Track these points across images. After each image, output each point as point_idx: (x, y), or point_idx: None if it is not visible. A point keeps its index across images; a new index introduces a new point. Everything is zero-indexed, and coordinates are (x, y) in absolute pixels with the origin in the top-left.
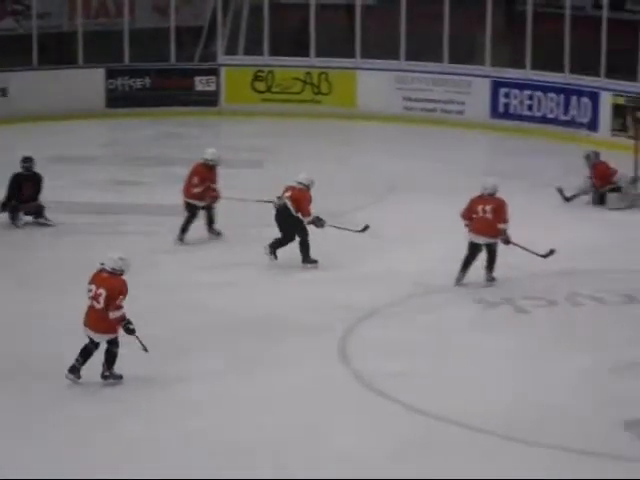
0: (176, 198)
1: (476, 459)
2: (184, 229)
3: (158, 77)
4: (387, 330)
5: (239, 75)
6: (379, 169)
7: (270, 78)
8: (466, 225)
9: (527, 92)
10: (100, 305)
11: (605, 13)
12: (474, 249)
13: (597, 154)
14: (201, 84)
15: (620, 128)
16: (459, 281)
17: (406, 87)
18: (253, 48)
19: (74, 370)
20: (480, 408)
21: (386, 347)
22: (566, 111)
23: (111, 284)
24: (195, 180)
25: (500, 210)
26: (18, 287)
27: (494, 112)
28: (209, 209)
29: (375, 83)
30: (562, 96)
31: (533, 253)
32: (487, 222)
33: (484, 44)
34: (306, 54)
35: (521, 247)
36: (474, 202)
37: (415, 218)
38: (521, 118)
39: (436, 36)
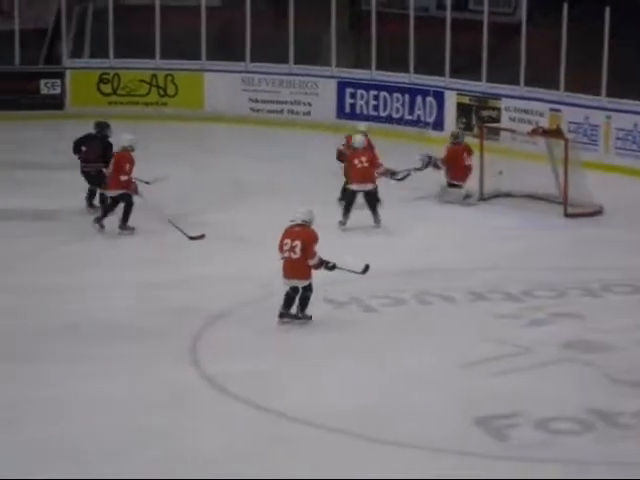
0: (18, 202)
1: (327, 458)
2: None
3: (2, 80)
4: (237, 332)
5: (85, 78)
6: (227, 171)
7: (116, 80)
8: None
9: (373, 92)
10: (297, 255)
11: (449, 13)
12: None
13: (463, 135)
14: (46, 87)
15: (465, 127)
16: None
17: (252, 89)
18: (98, 51)
19: (283, 315)
20: (330, 407)
21: (236, 349)
22: (411, 111)
23: (305, 235)
24: (126, 167)
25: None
26: None
27: (340, 112)
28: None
29: (221, 85)
30: (407, 96)
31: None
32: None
33: (329, 45)
34: (152, 56)
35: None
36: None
37: (263, 219)
38: (367, 118)
39: (281, 37)
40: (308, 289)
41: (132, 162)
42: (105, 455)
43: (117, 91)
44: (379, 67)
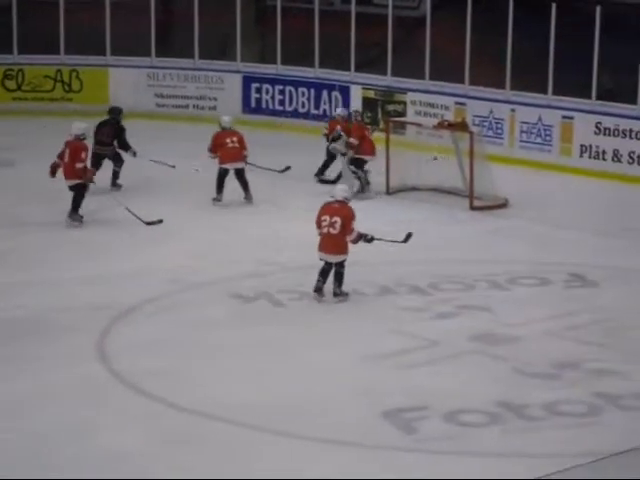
0: None
1: (236, 452)
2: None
3: None
4: (145, 328)
5: None
6: (133, 166)
7: (20, 76)
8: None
9: (278, 87)
10: (336, 231)
11: (353, 8)
12: None
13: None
14: None
15: (370, 122)
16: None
17: (158, 84)
18: (2, 46)
19: (319, 290)
20: (238, 402)
21: (145, 345)
22: (317, 105)
23: (344, 212)
24: (82, 155)
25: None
26: None
27: (246, 107)
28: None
29: (126, 80)
30: (313, 90)
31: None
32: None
33: (235, 39)
34: (56, 52)
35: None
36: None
37: (171, 215)
38: (273, 113)
39: (187, 32)
40: (342, 265)
41: (87, 150)
42: (16, 456)
43: (21, 87)
44: (285, 62)
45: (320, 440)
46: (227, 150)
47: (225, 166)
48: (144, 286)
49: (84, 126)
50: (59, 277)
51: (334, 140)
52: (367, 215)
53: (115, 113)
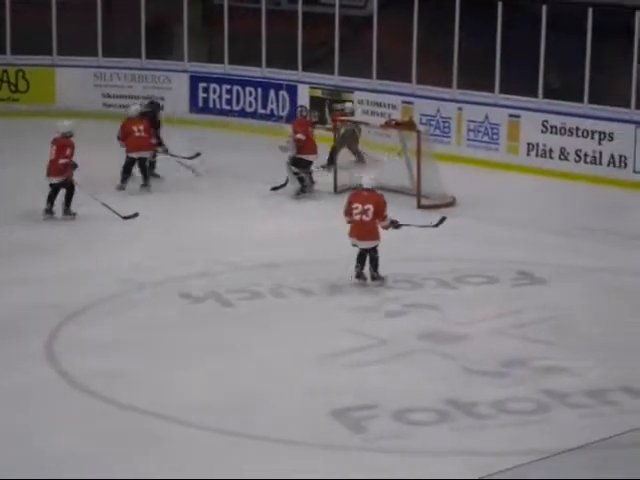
0: None
1: (184, 453)
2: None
3: None
4: (95, 329)
5: None
6: (81, 166)
7: None
8: None
9: (226, 86)
10: (369, 218)
11: (300, 7)
12: None
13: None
14: None
15: (318, 120)
16: None
17: (104, 84)
18: None
19: (359, 275)
20: (187, 402)
21: (94, 346)
22: (265, 105)
23: (376, 199)
24: (68, 152)
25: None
26: None
27: (194, 107)
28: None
29: (73, 80)
30: (260, 90)
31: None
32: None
33: (181, 39)
34: (2, 52)
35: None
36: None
37: (122, 214)
38: (221, 112)
39: (133, 31)
40: (375, 250)
41: (73, 147)
42: None
43: None
44: (232, 61)
45: (269, 440)
46: (134, 138)
47: (132, 155)
48: (95, 286)
49: (70, 124)
50: (8, 276)
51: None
52: (313, 215)
53: (155, 107)
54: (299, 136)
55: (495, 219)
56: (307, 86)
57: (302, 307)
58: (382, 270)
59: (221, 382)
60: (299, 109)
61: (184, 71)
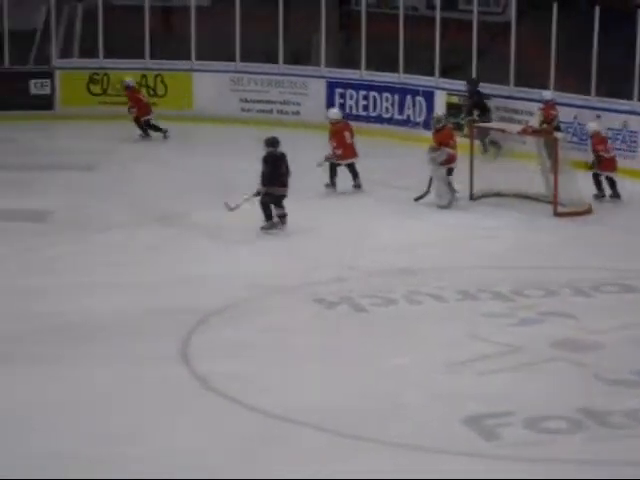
0: (6, 203)
1: (313, 456)
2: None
3: None
4: (228, 332)
5: (74, 78)
6: (216, 170)
7: (105, 80)
8: None
9: (362, 92)
10: None
11: (438, 13)
12: None
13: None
14: (36, 87)
15: (455, 127)
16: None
17: (242, 89)
18: (88, 51)
19: None
20: (317, 406)
21: (227, 349)
22: (401, 111)
23: None
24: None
25: None
26: None
27: None
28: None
29: (211, 85)
30: (397, 96)
31: None
32: None
33: (319, 45)
34: (141, 56)
35: None
36: None
37: (253, 219)
38: (357, 118)
39: (271, 37)
40: None
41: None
42: (93, 455)
43: (107, 91)
44: (369, 67)
45: (399, 446)
46: (347, 146)
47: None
48: (225, 290)
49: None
50: (142, 279)
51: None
52: (447, 221)
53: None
54: (449, 150)
55: (632, 228)
56: (444, 92)
57: (435, 313)
58: (518, 276)
59: (353, 387)
60: (434, 119)
61: (321, 77)
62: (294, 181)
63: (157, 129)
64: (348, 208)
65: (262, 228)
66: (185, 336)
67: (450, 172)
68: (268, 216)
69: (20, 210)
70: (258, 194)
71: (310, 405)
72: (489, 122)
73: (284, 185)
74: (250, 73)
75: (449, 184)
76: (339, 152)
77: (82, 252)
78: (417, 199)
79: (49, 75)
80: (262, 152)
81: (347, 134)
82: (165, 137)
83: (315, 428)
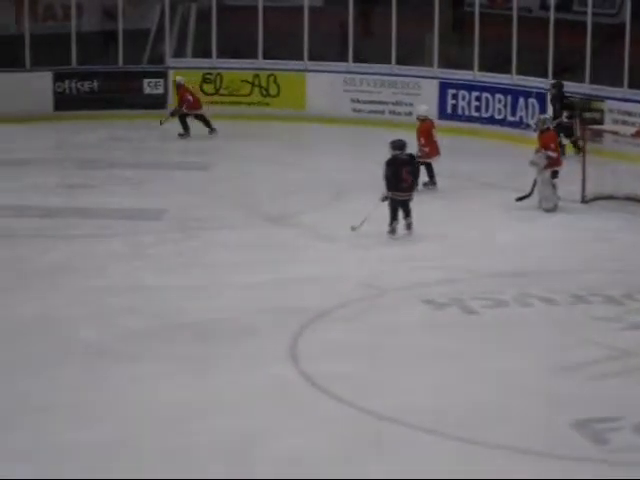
0: (120, 201)
1: (426, 459)
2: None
3: (106, 80)
4: (337, 332)
5: (187, 77)
6: (328, 171)
7: (218, 80)
8: None
9: (475, 93)
10: None
11: (552, 14)
12: None
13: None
14: (149, 87)
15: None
16: None
17: (354, 89)
18: (201, 50)
19: None
20: (429, 408)
21: (335, 349)
22: (514, 112)
23: None
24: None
25: None
26: None
27: (442, 113)
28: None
29: (323, 85)
30: (509, 97)
31: None
32: None
33: (432, 45)
34: (254, 56)
35: None
36: None
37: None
38: (469, 119)
39: (384, 37)
40: None
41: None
42: (209, 456)
43: (219, 91)
44: (481, 68)
45: (507, 448)
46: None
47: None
48: (335, 291)
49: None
50: (252, 280)
51: None
52: (557, 224)
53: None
54: (551, 154)
55: None
56: None
57: (546, 316)
58: (629, 279)
59: (460, 389)
60: (540, 120)
61: (434, 77)
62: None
63: (207, 124)
64: (457, 210)
65: (388, 232)
66: (295, 336)
67: (555, 175)
68: (393, 220)
69: (135, 209)
70: (385, 199)
71: (418, 406)
72: (576, 124)
73: (405, 190)
74: (362, 73)
75: (553, 187)
76: (427, 150)
77: (195, 251)
78: (519, 199)
79: (162, 75)
80: (374, 152)
81: (434, 132)
82: (210, 134)
83: (425, 431)
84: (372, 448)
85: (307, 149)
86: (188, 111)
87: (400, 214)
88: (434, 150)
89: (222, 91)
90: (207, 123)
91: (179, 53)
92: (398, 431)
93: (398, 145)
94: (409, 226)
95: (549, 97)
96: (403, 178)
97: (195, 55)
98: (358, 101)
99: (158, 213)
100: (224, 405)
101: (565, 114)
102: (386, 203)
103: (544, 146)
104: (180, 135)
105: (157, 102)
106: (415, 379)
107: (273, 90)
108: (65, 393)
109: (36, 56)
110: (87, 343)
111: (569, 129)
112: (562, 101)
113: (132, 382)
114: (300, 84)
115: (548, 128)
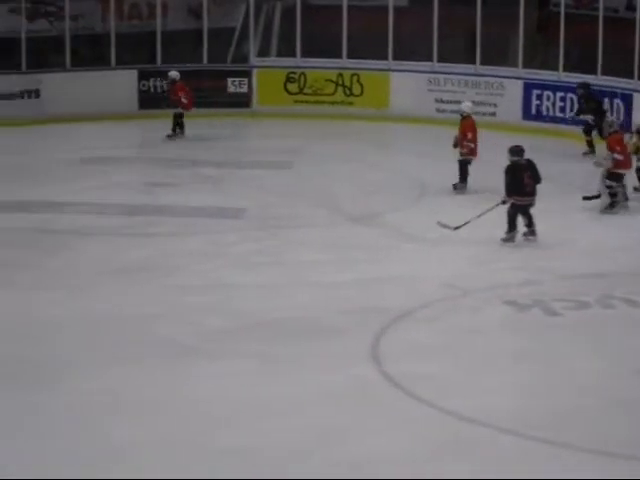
0: (203, 199)
1: (506, 459)
2: None
3: (190, 79)
4: (418, 332)
5: (271, 77)
6: (411, 171)
7: (302, 79)
8: None
9: (560, 94)
10: None
11: (639, 15)
12: None
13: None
14: (233, 86)
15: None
16: None
17: (438, 89)
18: (285, 49)
19: None
20: (510, 409)
21: (417, 349)
22: None
23: None
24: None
25: None
26: (34, 288)
27: (526, 114)
28: None
29: (407, 85)
30: None
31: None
32: None
33: (516, 46)
34: (338, 55)
35: None
36: None
37: (446, 220)
38: (553, 120)
39: (468, 38)
40: None
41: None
42: (288, 456)
43: (303, 90)
44: (566, 68)
45: (584, 450)
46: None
47: None
48: (417, 290)
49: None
50: (334, 279)
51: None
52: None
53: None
54: (617, 156)
55: None
56: None
57: (629, 319)
58: None
59: (541, 390)
60: (607, 123)
61: (518, 78)
62: (490, 182)
63: (178, 126)
64: (538, 210)
65: (502, 239)
66: (376, 336)
67: (620, 178)
68: (511, 227)
69: (216, 207)
70: (503, 203)
71: (498, 407)
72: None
73: (527, 195)
74: (447, 73)
75: (615, 189)
76: (472, 145)
77: (275, 250)
78: (586, 198)
79: (247, 74)
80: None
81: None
82: (169, 137)
83: (503, 431)
84: (452, 448)
85: (390, 149)
86: (184, 111)
87: (520, 221)
88: (477, 148)
89: (306, 90)
90: (179, 125)
91: (263, 52)
92: (478, 431)
93: (516, 151)
94: (533, 232)
95: (576, 97)
96: (525, 183)
97: (279, 54)
98: (442, 101)
99: (239, 212)
100: (304, 405)
101: (591, 118)
102: (486, 211)
103: (610, 148)
104: (168, 136)
105: (241, 101)
106: (496, 380)
107: (357, 89)
108: (143, 390)
109: (121, 55)
110: (166, 341)
111: (591, 128)
112: (589, 101)
113: (211, 380)
114: (384, 84)
115: (615, 131)
